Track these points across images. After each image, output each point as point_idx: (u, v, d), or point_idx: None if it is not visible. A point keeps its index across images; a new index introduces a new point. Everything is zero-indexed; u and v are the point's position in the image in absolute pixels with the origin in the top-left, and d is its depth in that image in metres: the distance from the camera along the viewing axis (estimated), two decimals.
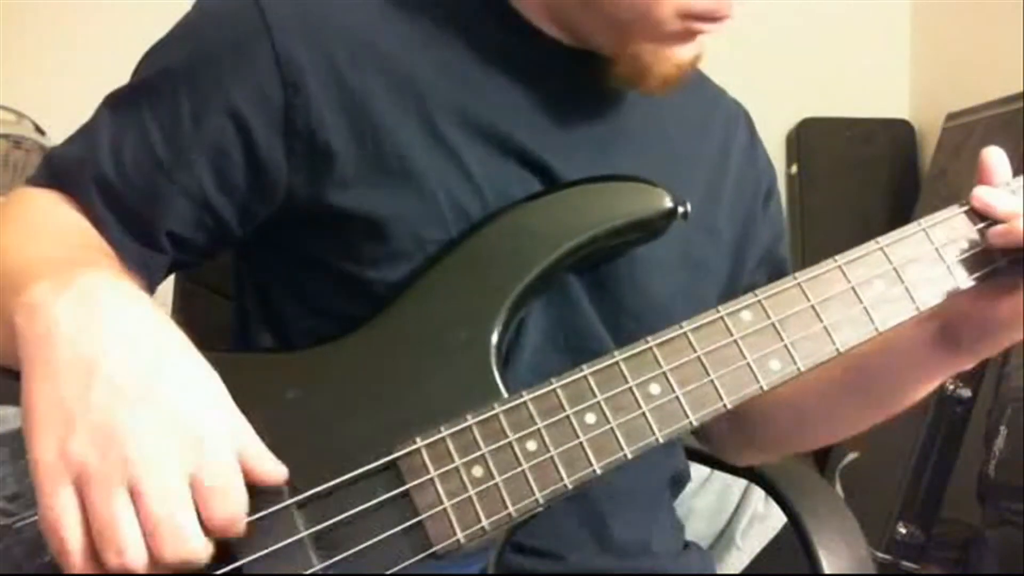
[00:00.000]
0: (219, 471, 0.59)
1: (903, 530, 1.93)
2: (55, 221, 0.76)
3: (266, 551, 0.64)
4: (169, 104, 0.78)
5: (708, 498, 1.66)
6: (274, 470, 0.63)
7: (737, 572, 1.61)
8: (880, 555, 1.91)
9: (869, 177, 2.49)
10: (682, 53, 0.80)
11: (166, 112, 0.78)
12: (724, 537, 1.65)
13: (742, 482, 1.64)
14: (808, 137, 2.52)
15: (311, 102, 0.77)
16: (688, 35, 0.79)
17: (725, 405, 0.72)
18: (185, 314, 1.26)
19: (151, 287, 0.79)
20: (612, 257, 0.83)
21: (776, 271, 0.96)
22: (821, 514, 1.10)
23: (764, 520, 1.65)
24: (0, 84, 2.07)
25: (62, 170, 0.78)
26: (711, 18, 0.78)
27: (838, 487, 1.99)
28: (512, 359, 0.80)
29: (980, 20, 2.32)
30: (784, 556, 1.55)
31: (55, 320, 0.59)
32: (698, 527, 1.65)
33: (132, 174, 0.77)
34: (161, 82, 0.78)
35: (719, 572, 0.95)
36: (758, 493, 1.66)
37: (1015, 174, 0.80)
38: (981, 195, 0.78)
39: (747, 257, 0.94)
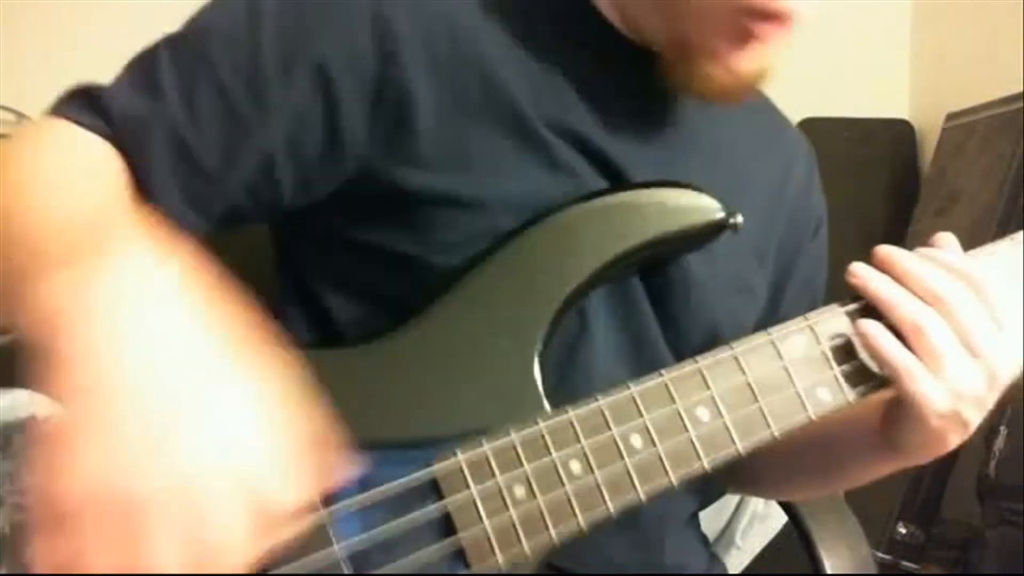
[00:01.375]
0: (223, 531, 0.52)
1: (903, 530, 1.93)
2: (86, 174, 0.67)
3: (299, 563, 0.62)
4: (249, 50, 0.71)
5: None
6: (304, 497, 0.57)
7: (737, 572, 1.61)
8: (880, 555, 1.91)
9: (869, 177, 2.49)
10: (740, 62, 0.75)
11: (245, 59, 0.71)
12: (724, 537, 1.65)
13: None
14: (808, 137, 2.52)
15: (404, 75, 0.73)
16: (744, 37, 0.74)
17: (773, 434, 0.69)
18: None
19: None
20: (662, 263, 0.80)
21: (811, 303, 0.91)
22: (821, 514, 1.10)
23: (764, 520, 1.65)
24: (0, 84, 2.07)
25: (123, 117, 0.69)
26: (771, 16, 0.73)
27: None
28: (577, 370, 0.77)
29: (980, 20, 2.32)
30: (784, 556, 1.55)
31: (83, 348, 0.52)
32: None
33: (208, 127, 0.70)
34: (240, 24, 0.72)
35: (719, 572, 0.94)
36: None
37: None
38: (858, 271, 0.73)
39: (787, 288, 0.91)
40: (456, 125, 0.75)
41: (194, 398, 0.53)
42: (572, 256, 0.73)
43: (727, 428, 0.68)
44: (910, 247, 0.74)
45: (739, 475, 0.95)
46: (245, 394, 0.54)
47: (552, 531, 0.66)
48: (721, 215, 0.76)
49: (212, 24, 0.73)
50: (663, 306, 0.81)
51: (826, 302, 0.76)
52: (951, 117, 2.33)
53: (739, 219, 0.76)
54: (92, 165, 0.68)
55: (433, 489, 0.65)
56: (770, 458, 0.88)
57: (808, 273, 0.94)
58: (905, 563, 1.91)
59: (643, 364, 0.71)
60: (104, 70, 0.76)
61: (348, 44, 0.72)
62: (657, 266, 0.80)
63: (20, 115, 1.99)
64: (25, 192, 0.64)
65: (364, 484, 0.65)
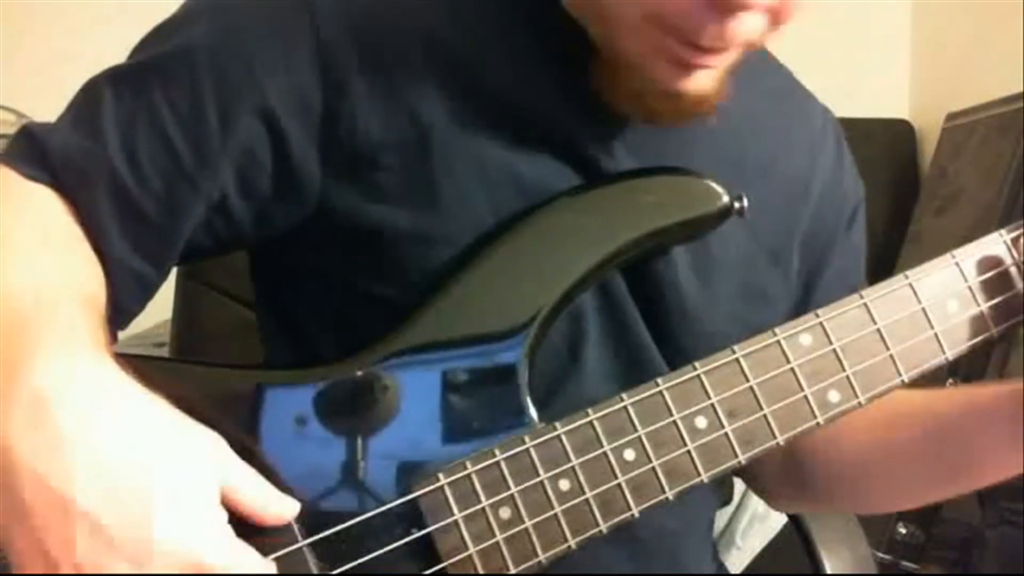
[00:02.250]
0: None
1: (903, 530, 1.92)
2: (36, 236, 0.64)
3: None
4: (189, 93, 0.68)
5: None
6: (279, 513, 0.59)
7: (737, 572, 1.61)
8: (880, 555, 1.91)
9: (869, 177, 2.46)
10: (676, 84, 0.68)
11: (186, 104, 0.68)
12: (724, 537, 1.65)
13: (742, 482, 1.64)
14: None
15: (355, 108, 0.69)
16: (676, 61, 0.67)
17: (778, 442, 0.66)
18: (186, 314, 1.26)
19: (143, 303, 0.72)
20: (657, 255, 0.75)
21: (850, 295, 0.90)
22: (821, 514, 1.10)
23: (764, 520, 1.65)
24: (0, 84, 2.07)
25: (64, 165, 0.67)
26: (689, 39, 0.65)
27: None
28: (568, 387, 0.73)
29: (980, 20, 2.31)
30: (784, 556, 1.54)
31: (9, 444, 0.53)
32: None
33: (151, 177, 0.67)
34: (179, 64, 0.68)
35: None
36: None
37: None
38: None
39: (818, 283, 0.87)
40: (420, 156, 0.70)
41: (142, 482, 0.54)
42: (560, 259, 0.69)
43: (728, 438, 0.66)
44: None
45: (835, 492, 0.89)
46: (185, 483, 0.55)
47: (541, 555, 0.63)
48: (725, 201, 0.72)
49: (154, 56, 0.70)
50: (659, 326, 0.77)
51: None
52: (951, 117, 2.33)
53: (744, 202, 0.72)
54: (41, 224, 0.65)
55: (415, 513, 0.63)
56: (875, 471, 0.83)
57: (843, 265, 0.89)
58: (905, 563, 1.91)
59: (637, 382, 0.67)
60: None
61: (291, 82, 0.68)
62: (653, 258, 0.75)
63: (20, 115, 1.98)
64: None
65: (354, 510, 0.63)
